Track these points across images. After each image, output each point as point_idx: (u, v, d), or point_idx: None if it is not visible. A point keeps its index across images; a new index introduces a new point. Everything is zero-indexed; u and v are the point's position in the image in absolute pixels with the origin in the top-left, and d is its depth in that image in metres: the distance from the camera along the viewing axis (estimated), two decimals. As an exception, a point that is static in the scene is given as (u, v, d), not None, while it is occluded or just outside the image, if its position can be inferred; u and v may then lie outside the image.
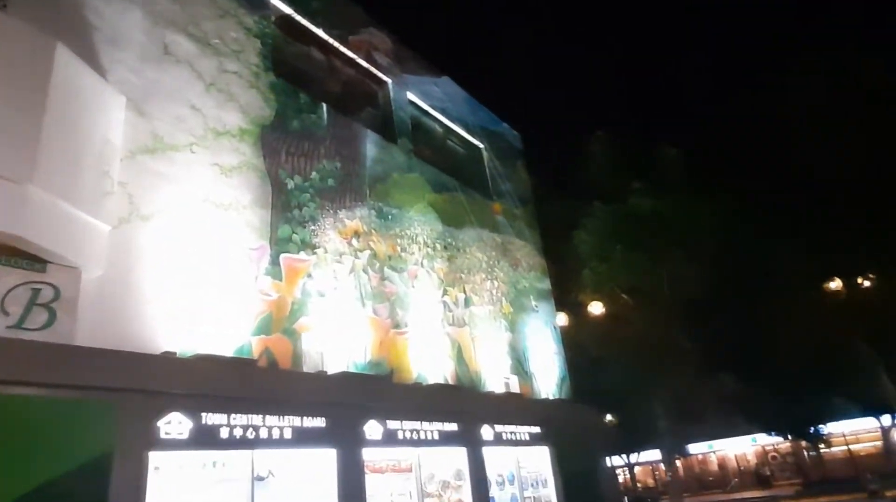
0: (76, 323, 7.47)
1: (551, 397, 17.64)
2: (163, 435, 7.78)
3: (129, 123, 9.12)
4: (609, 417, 39.07)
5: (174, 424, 7.94)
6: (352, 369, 11.40)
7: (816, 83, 23.46)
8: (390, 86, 16.35)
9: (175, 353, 8.33)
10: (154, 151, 9.36)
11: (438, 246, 15.53)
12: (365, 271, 12.70)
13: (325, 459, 9.81)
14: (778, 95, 24.98)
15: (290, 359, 10.22)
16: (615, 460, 45.13)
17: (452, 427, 12.81)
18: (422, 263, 14.62)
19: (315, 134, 12.84)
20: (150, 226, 8.89)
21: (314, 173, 12.35)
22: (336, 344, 11.36)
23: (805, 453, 38.89)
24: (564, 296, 24.02)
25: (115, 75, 9.20)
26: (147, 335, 8.33)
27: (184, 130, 9.97)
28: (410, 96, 17.10)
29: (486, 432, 13.75)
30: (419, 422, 11.94)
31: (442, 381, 13.63)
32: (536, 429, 15.62)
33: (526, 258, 19.74)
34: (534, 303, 19.07)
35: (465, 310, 15.54)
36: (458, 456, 12.76)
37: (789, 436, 34.56)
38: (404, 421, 11.60)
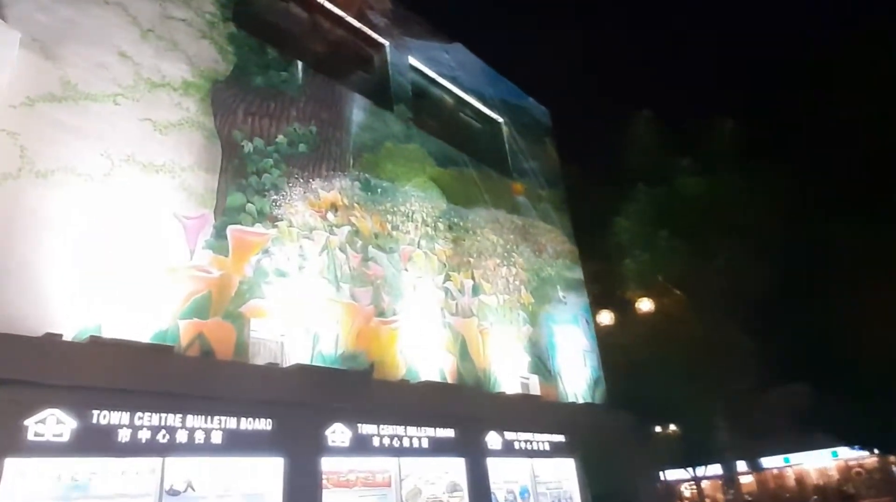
0: (-81, 294, 6.00)
1: (580, 401, 15.30)
2: (32, 437, 6.19)
3: (30, 66, 7.70)
4: (672, 427, 35.89)
5: (49, 423, 6.34)
6: (318, 362, 9.62)
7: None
8: (388, 49, 14.60)
9: (61, 336, 6.76)
10: (62, 100, 7.91)
11: (441, 225, 13.58)
12: (342, 249, 10.92)
13: (269, 470, 8.03)
14: (848, 54, 21.60)
15: (231, 349, 8.53)
16: (680, 473, 41.67)
17: (447, 433, 10.80)
18: (418, 244, 12.71)
19: (285, 93, 11.20)
20: (47, 184, 7.40)
21: (281, 136, 10.70)
22: (299, 332, 9.62)
23: (894, 469, 34.32)
24: (604, 292, 21.51)
25: (15, 10, 7.82)
26: (30, 314, 6.79)
27: (106, 79, 8.49)
28: (413, 62, 15.29)
29: (493, 440, 11.65)
30: (402, 427, 10.01)
31: (438, 379, 11.66)
32: (559, 438, 13.37)
33: (552, 244, 17.49)
34: (561, 293, 16.78)
35: (473, 299, 13.51)
36: (454, 467, 10.74)
37: (876, 450, 30.35)
38: (382, 425, 9.70)
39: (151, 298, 7.87)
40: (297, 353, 9.41)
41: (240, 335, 8.69)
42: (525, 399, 13.25)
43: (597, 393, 16.24)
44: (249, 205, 9.62)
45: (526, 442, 12.44)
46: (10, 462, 5.96)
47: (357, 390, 9.65)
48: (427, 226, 13.14)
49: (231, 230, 9.19)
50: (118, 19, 8.97)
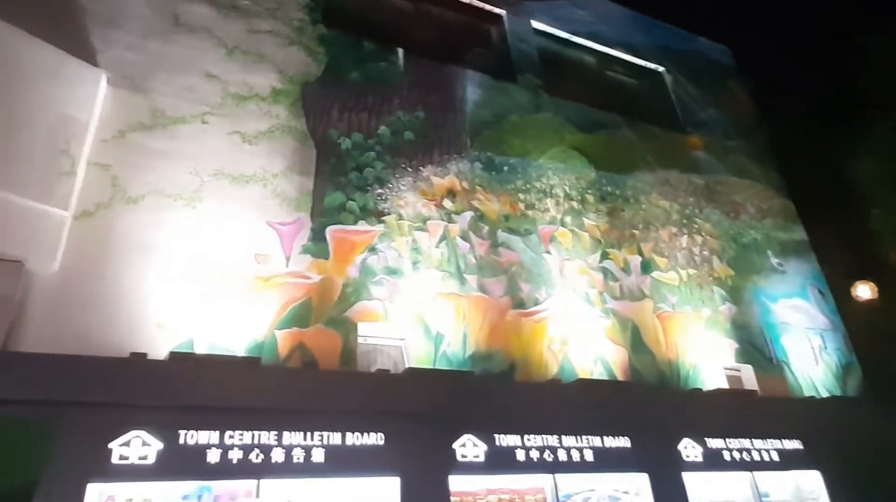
0: (13, 325, 6.21)
1: (823, 395, 11.61)
2: (116, 460, 5.95)
3: (120, 101, 7.99)
4: None
5: (134, 446, 6.07)
6: (443, 366, 8.39)
7: None
8: (505, 18, 13.17)
9: (145, 355, 6.55)
10: (152, 128, 8.06)
11: (590, 197, 11.51)
12: (465, 238, 9.63)
13: (383, 491, 6.94)
14: None
15: (336, 357, 7.72)
16: None
17: (620, 442, 8.66)
18: (562, 221, 10.84)
19: (385, 83, 10.46)
20: (137, 209, 7.47)
21: (383, 128, 9.92)
22: (419, 334, 8.51)
23: None
24: (852, 255, 16.67)
25: (108, 55, 8.23)
26: (124, 337, 6.74)
27: (193, 101, 8.54)
28: (537, 25, 13.60)
29: (690, 449, 9.12)
30: (555, 437, 8.21)
31: (605, 377, 9.58)
32: (794, 444, 10.17)
33: (754, 201, 14.00)
34: (775, 260, 13.22)
35: (644, 278, 11.09)
36: (636, 485, 8.53)
37: None
38: (528, 436, 8.03)
39: (247, 311, 7.46)
40: (419, 358, 8.31)
41: (346, 342, 7.86)
42: (734, 395, 10.33)
43: (849, 384, 12.26)
44: (350, 202, 8.92)
45: (741, 450, 9.58)
46: (92, 487, 5.74)
47: (493, 394, 8.16)
48: (571, 200, 11.21)
49: (331, 231, 8.54)
50: (204, 43, 9.09)
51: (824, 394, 11.64)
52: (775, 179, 14.85)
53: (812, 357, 12.14)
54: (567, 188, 11.30)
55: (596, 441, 8.49)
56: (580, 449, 8.30)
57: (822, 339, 12.54)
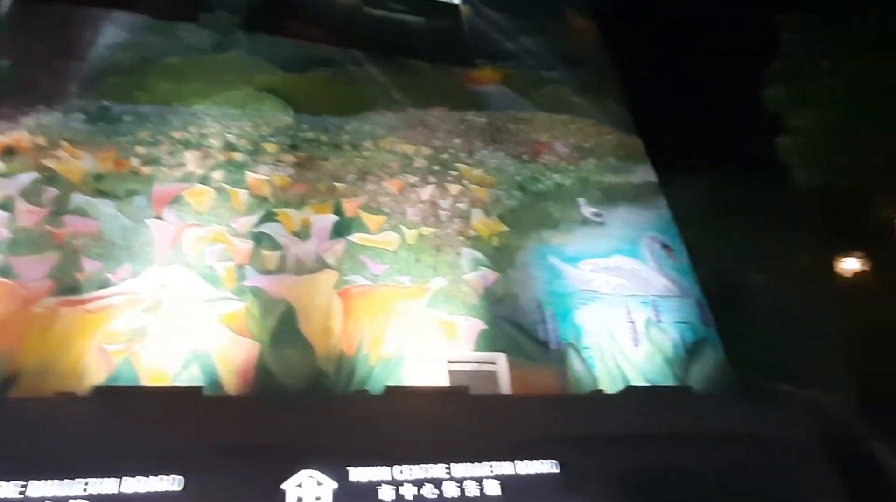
0: None
1: (639, 385, 7.75)
2: None
3: None
4: None
5: None
6: None
7: None
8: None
9: None
10: None
11: (271, 146, 8.53)
12: (6, 207, 6.91)
13: None
14: None
15: None
16: None
17: (164, 484, 5.42)
18: (203, 178, 7.91)
19: (-43, 30, 8.17)
20: None
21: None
22: None
23: None
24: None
25: None
26: None
27: None
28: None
29: (309, 487, 5.71)
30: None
31: (200, 383, 6.38)
32: (542, 468, 6.49)
33: (569, 139, 10.49)
34: (589, 209, 9.58)
35: (334, 243, 7.87)
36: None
37: None
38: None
39: None
40: None
41: None
42: (432, 398, 6.76)
43: (693, 371, 8.29)
44: None
45: (420, 483, 6.02)
46: None
47: None
48: (234, 151, 8.28)
49: None
50: None
51: (640, 384, 7.77)
52: (615, 112, 11.26)
53: (631, 336, 8.33)
54: (232, 138, 8.42)
55: (105, 485, 5.30)
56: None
57: (654, 310, 8.69)
